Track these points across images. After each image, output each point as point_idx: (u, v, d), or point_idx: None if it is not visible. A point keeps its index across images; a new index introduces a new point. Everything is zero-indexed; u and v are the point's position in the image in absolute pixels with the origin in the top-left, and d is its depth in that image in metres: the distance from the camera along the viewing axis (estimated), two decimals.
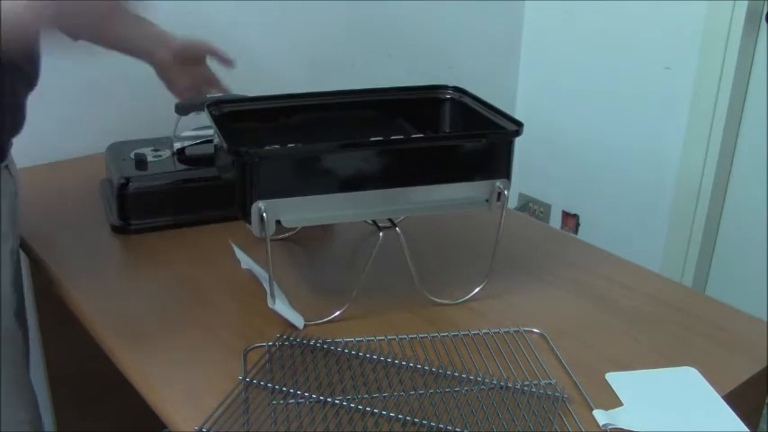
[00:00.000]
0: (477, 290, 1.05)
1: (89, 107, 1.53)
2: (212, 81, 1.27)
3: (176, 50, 1.20)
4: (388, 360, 0.90)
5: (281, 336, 0.94)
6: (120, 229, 1.20)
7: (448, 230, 1.25)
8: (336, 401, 0.82)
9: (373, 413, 0.81)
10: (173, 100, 1.31)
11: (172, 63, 1.21)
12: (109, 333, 0.95)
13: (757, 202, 1.93)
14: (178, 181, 1.24)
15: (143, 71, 1.59)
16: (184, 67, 1.22)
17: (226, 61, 1.25)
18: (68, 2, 0.83)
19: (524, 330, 0.98)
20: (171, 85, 1.24)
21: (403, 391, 0.85)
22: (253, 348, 0.92)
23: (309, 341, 0.93)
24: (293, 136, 1.12)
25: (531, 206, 2.43)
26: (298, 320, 0.96)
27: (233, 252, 1.13)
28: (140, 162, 1.26)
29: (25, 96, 1.00)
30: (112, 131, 1.51)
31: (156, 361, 0.90)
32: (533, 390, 0.86)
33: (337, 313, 0.99)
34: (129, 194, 1.20)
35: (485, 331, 0.97)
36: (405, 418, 0.80)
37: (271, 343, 0.93)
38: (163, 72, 1.23)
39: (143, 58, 1.20)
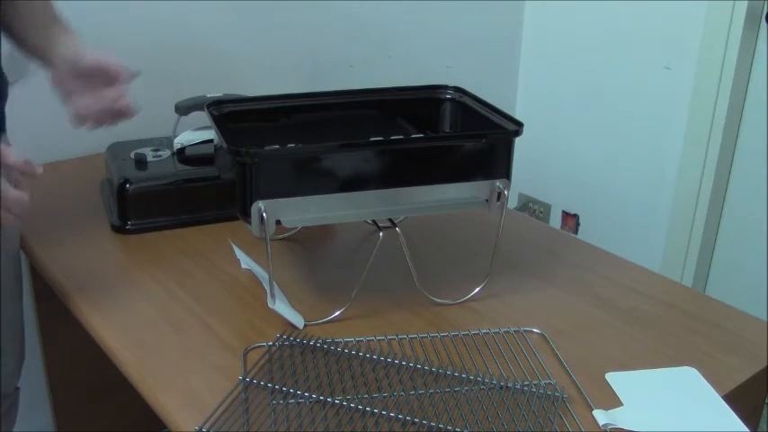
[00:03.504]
0: (477, 290, 1.05)
1: None
2: (115, 110, 1.09)
3: (78, 64, 1.03)
4: (388, 360, 0.90)
5: (281, 336, 0.94)
6: (120, 229, 1.20)
7: (448, 230, 1.25)
8: (336, 401, 0.82)
9: (373, 413, 0.81)
10: (173, 100, 1.31)
11: (68, 75, 1.04)
12: (109, 333, 0.95)
13: (757, 202, 1.94)
14: (178, 181, 1.24)
15: (143, 72, 1.59)
16: (88, 86, 1.05)
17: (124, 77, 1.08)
18: None
19: (524, 330, 0.98)
20: (67, 99, 1.06)
21: (403, 391, 0.85)
22: (253, 348, 0.92)
23: (309, 341, 0.93)
24: (293, 136, 1.12)
25: (531, 206, 2.43)
26: (298, 320, 0.96)
27: (233, 252, 1.13)
28: (140, 162, 1.26)
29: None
30: (112, 131, 1.51)
31: (156, 361, 0.90)
32: (533, 390, 0.86)
33: (337, 313, 0.99)
34: (128, 194, 1.20)
35: (485, 331, 0.97)
36: (405, 418, 0.80)
37: (271, 343, 0.93)
38: (59, 83, 1.05)
39: (44, 61, 1.05)
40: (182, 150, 1.32)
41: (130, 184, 1.20)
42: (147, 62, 1.56)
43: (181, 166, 1.27)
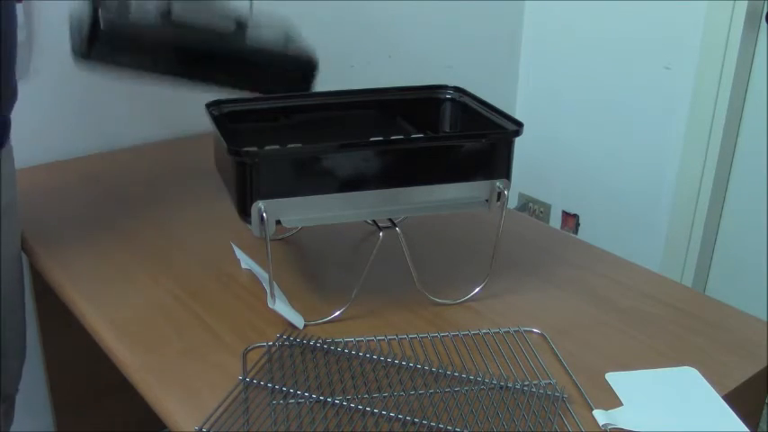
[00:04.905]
0: (477, 290, 1.05)
1: (89, 107, 1.53)
2: None
3: None
4: (388, 360, 0.90)
5: (281, 336, 0.94)
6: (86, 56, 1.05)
7: (448, 230, 1.25)
8: (336, 401, 0.82)
9: (373, 413, 0.81)
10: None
11: None
12: (109, 333, 0.95)
13: (757, 202, 1.94)
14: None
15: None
16: None
17: None
18: None
19: (524, 330, 0.98)
20: None
21: (403, 391, 0.85)
22: (253, 348, 0.92)
23: (309, 341, 0.93)
24: (293, 136, 1.12)
25: (531, 206, 2.43)
26: (298, 320, 0.96)
27: (233, 252, 1.13)
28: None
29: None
30: (112, 131, 1.51)
31: (155, 361, 0.90)
32: (533, 390, 0.86)
33: (337, 313, 0.99)
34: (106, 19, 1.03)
35: (485, 331, 0.97)
36: (405, 418, 0.80)
37: (271, 343, 0.93)
38: None
39: None
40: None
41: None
42: None
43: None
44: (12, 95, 1.01)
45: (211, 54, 1.13)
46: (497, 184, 0.98)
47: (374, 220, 1.01)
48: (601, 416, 0.81)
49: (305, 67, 1.20)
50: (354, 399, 0.83)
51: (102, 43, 1.06)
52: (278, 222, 0.92)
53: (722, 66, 1.87)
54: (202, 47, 1.13)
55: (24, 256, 1.21)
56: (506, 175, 0.99)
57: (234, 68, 1.15)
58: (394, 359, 0.90)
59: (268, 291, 0.96)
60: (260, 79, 1.16)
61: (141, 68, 1.11)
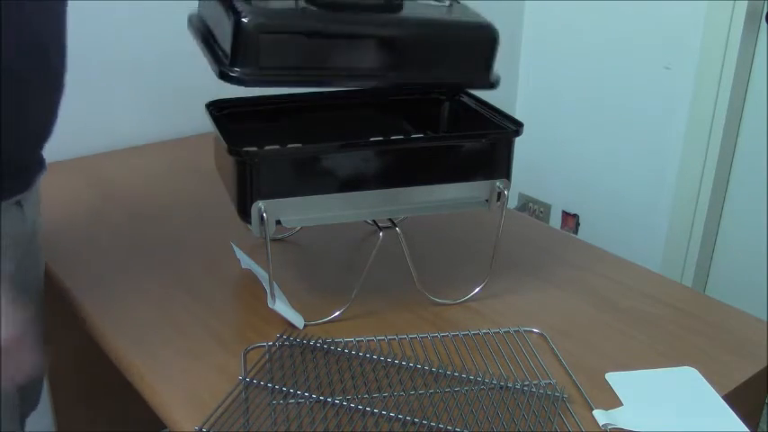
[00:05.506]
0: (477, 290, 1.05)
1: (89, 107, 1.53)
2: None
3: None
4: (388, 360, 0.90)
5: (281, 336, 0.94)
6: (233, 77, 0.87)
7: (448, 230, 1.25)
8: (336, 401, 0.82)
9: (373, 413, 0.81)
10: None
11: None
12: (109, 333, 0.95)
13: (757, 202, 1.94)
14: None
15: (145, 71, 1.60)
16: None
17: None
18: None
19: (524, 330, 0.98)
20: None
21: (403, 391, 0.85)
22: (253, 348, 0.92)
23: (309, 341, 0.93)
24: (293, 136, 1.12)
25: (531, 206, 2.43)
26: (298, 320, 0.96)
27: (233, 252, 1.13)
28: None
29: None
30: (113, 131, 1.51)
31: (156, 361, 0.90)
32: (533, 390, 0.86)
33: (337, 313, 0.99)
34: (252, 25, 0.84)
35: (485, 331, 0.97)
36: (405, 418, 0.80)
37: (271, 343, 0.93)
38: None
39: None
40: None
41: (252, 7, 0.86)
42: (148, 63, 1.57)
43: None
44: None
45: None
46: (497, 184, 0.98)
47: (374, 220, 1.01)
48: (601, 416, 0.81)
49: (484, 41, 0.94)
50: (354, 399, 0.83)
51: (255, 51, 0.86)
52: (278, 222, 0.92)
53: (722, 66, 1.87)
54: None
55: None
56: (506, 175, 0.99)
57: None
58: (394, 359, 0.90)
59: (268, 291, 0.96)
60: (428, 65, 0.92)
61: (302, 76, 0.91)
